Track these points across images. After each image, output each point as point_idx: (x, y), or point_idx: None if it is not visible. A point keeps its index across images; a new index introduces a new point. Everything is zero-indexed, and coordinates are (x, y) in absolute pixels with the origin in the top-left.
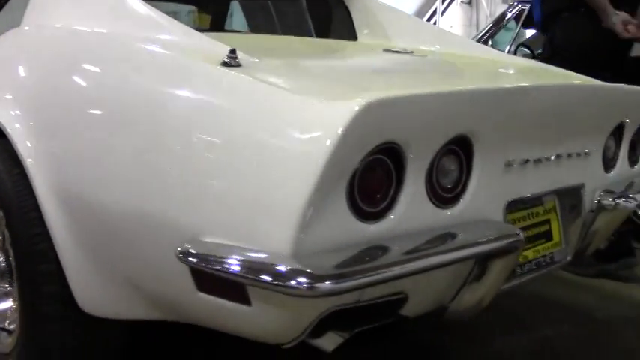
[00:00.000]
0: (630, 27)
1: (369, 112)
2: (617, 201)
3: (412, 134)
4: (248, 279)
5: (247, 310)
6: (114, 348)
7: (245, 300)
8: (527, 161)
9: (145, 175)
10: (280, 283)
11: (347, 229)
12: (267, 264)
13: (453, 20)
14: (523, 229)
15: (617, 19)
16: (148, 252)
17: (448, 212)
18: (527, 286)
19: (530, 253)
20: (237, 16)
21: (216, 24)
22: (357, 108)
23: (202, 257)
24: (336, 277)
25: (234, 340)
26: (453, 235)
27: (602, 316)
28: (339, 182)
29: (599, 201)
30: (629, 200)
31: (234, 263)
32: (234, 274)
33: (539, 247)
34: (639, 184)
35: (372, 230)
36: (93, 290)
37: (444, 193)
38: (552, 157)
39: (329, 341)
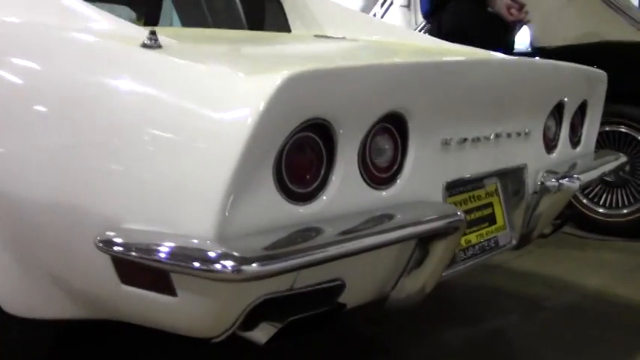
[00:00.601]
0: (513, 10)
1: (292, 85)
2: (561, 181)
3: (341, 110)
4: (171, 265)
5: (173, 302)
6: (43, 351)
7: (170, 290)
8: (465, 140)
9: (63, 166)
10: (204, 267)
11: (276, 211)
12: (190, 248)
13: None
14: (465, 212)
15: (502, 2)
16: (71, 245)
17: (384, 193)
18: (472, 275)
19: (473, 238)
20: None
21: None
22: (279, 82)
23: (123, 245)
24: (264, 259)
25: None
26: (390, 216)
27: (552, 305)
28: (265, 162)
29: (542, 182)
30: (572, 180)
31: (155, 249)
32: (156, 260)
33: (482, 231)
34: (582, 166)
35: (304, 212)
36: (16, 289)
37: (378, 173)
38: (492, 137)
39: (261, 333)
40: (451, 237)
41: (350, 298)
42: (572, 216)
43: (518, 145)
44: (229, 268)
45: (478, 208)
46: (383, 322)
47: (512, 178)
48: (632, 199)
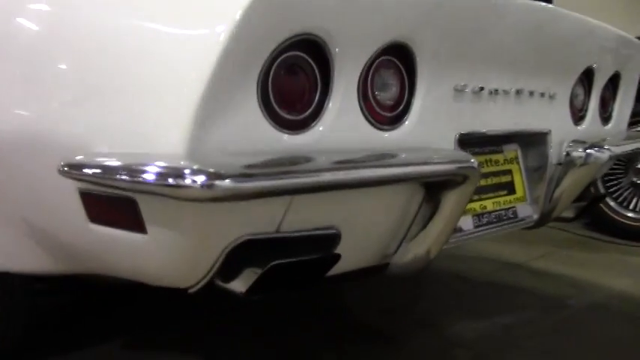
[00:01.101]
0: None
1: None
2: (589, 151)
3: (336, 26)
4: (134, 183)
5: (143, 242)
6: (22, 308)
7: (139, 226)
8: (481, 89)
9: (24, 91)
10: (171, 183)
11: (262, 137)
12: (157, 165)
13: None
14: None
15: None
16: (37, 179)
17: (387, 135)
18: (491, 271)
19: (489, 204)
20: None
21: None
22: None
23: (87, 166)
24: (240, 177)
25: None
26: (393, 155)
27: (574, 303)
28: (247, 81)
29: (567, 153)
30: (601, 150)
31: (119, 169)
32: (119, 180)
33: (500, 199)
34: (613, 140)
35: (295, 142)
36: None
37: (382, 111)
38: (512, 91)
39: (242, 281)
40: (462, 188)
41: (347, 252)
42: (599, 198)
43: (542, 107)
44: (199, 184)
45: (496, 174)
46: (395, 312)
47: (534, 145)
48: None
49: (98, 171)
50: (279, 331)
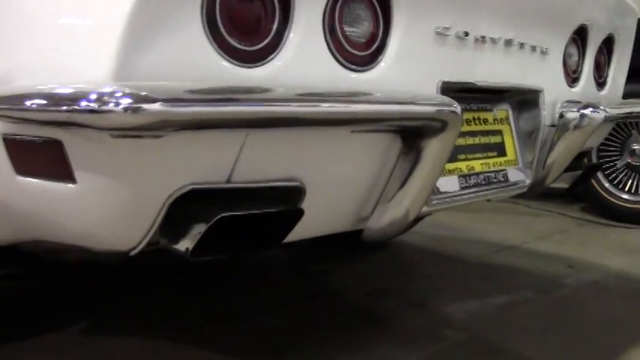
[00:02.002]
0: None
1: None
2: (584, 112)
3: None
4: (50, 112)
5: (72, 193)
6: None
7: (67, 174)
8: (466, 35)
9: None
10: (89, 107)
11: (209, 68)
12: (76, 90)
13: None
14: (467, 134)
15: None
16: None
17: (357, 76)
18: (484, 252)
19: (477, 165)
20: None
21: None
22: None
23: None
24: (173, 101)
25: None
26: (364, 93)
27: (571, 282)
28: (187, 3)
29: (561, 113)
30: (597, 111)
31: (35, 98)
32: (34, 111)
33: (489, 161)
34: (612, 103)
35: (249, 75)
36: None
37: (352, 49)
38: (501, 41)
39: (188, 238)
40: (444, 135)
41: (313, 213)
42: (594, 167)
43: (534, 63)
44: (122, 106)
45: (484, 133)
46: (385, 293)
47: (525, 105)
48: None
49: (12, 106)
50: (263, 313)
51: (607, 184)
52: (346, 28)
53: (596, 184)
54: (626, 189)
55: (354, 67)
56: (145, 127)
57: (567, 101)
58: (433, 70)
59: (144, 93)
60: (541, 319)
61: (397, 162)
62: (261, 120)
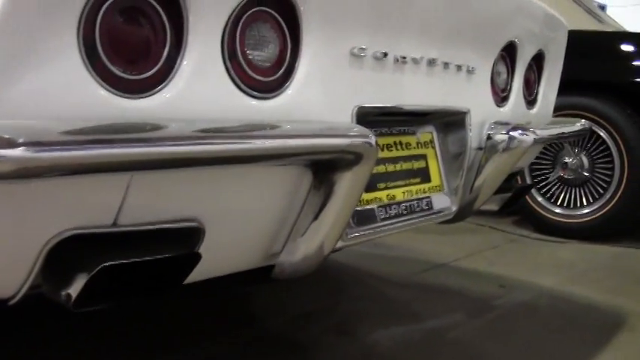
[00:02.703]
0: None
1: None
2: (513, 134)
3: None
4: None
5: None
6: None
7: None
8: (384, 55)
9: None
10: None
11: (92, 102)
12: None
13: None
14: (387, 160)
15: None
16: None
17: (263, 104)
18: (412, 271)
19: (398, 194)
20: None
21: None
22: None
23: None
24: (37, 144)
25: None
26: (268, 126)
27: (502, 303)
28: (60, 25)
29: (489, 135)
30: (526, 133)
31: None
32: None
33: (411, 188)
34: (539, 123)
35: (136, 107)
36: None
37: (256, 75)
38: (423, 61)
39: (72, 287)
40: (357, 168)
41: (216, 252)
42: (525, 189)
43: (460, 83)
44: None
45: (407, 159)
46: (310, 318)
47: (451, 127)
48: (591, 199)
49: None
50: (181, 341)
51: (540, 198)
52: (249, 52)
53: (529, 198)
54: (559, 203)
55: (258, 94)
56: (6, 175)
57: (495, 122)
58: (348, 94)
59: (5, 136)
60: (470, 346)
61: (308, 196)
62: (148, 162)
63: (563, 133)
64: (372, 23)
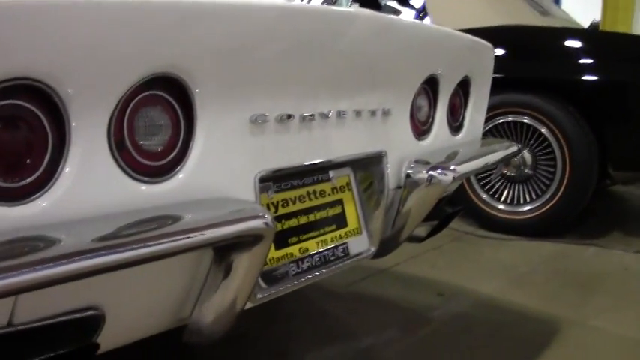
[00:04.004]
0: None
1: None
2: (432, 173)
3: (66, 65)
4: None
5: None
6: None
7: None
8: (289, 117)
9: None
10: None
11: None
12: None
13: None
14: (299, 213)
15: None
16: None
17: (159, 188)
18: (348, 280)
19: (312, 245)
20: None
21: None
22: None
23: None
24: None
25: None
26: (163, 222)
27: (438, 315)
28: None
29: (408, 174)
30: (445, 172)
31: None
32: None
33: (326, 237)
34: (463, 155)
35: (16, 216)
36: None
37: (148, 161)
38: (332, 114)
39: None
40: (255, 248)
41: (120, 327)
42: (453, 215)
43: (374, 126)
44: None
45: (321, 208)
46: (246, 339)
47: (368, 169)
48: (533, 196)
49: None
50: None
51: (484, 195)
52: (139, 139)
53: (473, 195)
54: (502, 199)
55: (152, 179)
56: None
57: (416, 161)
58: (249, 162)
59: None
60: None
61: (210, 271)
62: (33, 286)
63: (487, 163)
64: (273, 88)
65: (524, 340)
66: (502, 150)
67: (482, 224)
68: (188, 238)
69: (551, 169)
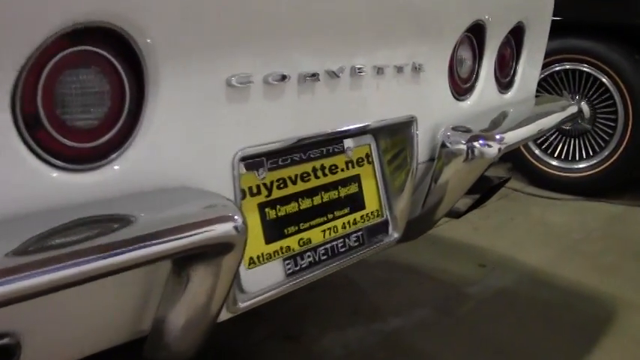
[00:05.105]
0: None
1: None
2: (473, 144)
3: None
4: None
5: None
6: None
7: None
8: (283, 78)
9: None
10: None
11: None
12: None
13: None
14: (301, 195)
15: None
16: None
17: (86, 179)
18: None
19: (315, 235)
20: None
21: None
22: None
23: None
24: None
25: None
26: (82, 227)
27: (477, 293)
28: None
29: (444, 144)
30: (489, 143)
31: None
32: None
33: (336, 223)
34: (511, 120)
35: None
36: None
37: (77, 142)
38: (344, 71)
39: None
40: (222, 259)
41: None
42: (497, 187)
43: (401, 86)
44: None
45: (330, 187)
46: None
47: (393, 136)
48: (591, 152)
49: None
50: None
51: (536, 150)
52: (62, 114)
53: (524, 149)
54: (556, 155)
55: (80, 167)
56: None
57: (453, 128)
58: (227, 138)
59: None
60: (434, 348)
61: (168, 283)
62: None
63: (541, 129)
64: (259, 38)
65: (576, 325)
66: (559, 111)
67: (533, 181)
68: (123, 253)
69: (612, 123)
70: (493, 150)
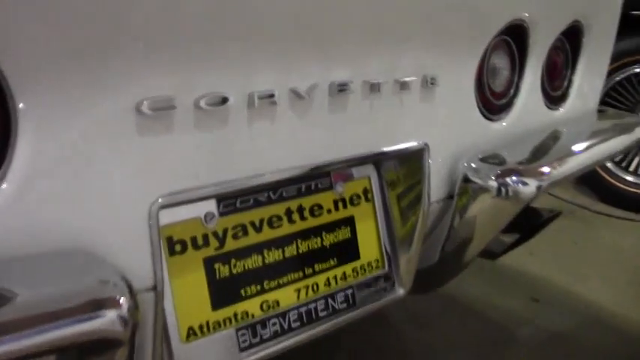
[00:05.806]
0: None
1: None
2: (504, 180)
3: None
4: None
5: None
6: None
7: None
8: (224, 101)
9: None
10: None
11: None
12: None
13: None
14: (266, 245)
15: None
16: None
17: None
18: None
19: (285, 296)
20: None
21: None
22: None
23: None
24: None
25: None
26: None
27: (527, 336)
28: None
29: (467, 177)
30: (524, 179)
31: None
32: None
33: (318, 279)
34: (561, 147)
35: None
36: None
37: None
38: (305, 93)
39: None
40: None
41: None
42: (544, 223)
43: (405, 107)
44: None
45: (308, 234)
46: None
47: (398, 169)
48: None
49: None
50: None
51: (608, 164)
52: None
53: None
54: (631, 169)
55: None
56: None
57: (482, 159)
58: (140, 181)
59: None
60: None
61: None
62: None
63: (599, 159)
64: (185, 41)
65: None
66: (626, 133)
67: (603, 197)
68: None
69: None
70: (530, 189)
